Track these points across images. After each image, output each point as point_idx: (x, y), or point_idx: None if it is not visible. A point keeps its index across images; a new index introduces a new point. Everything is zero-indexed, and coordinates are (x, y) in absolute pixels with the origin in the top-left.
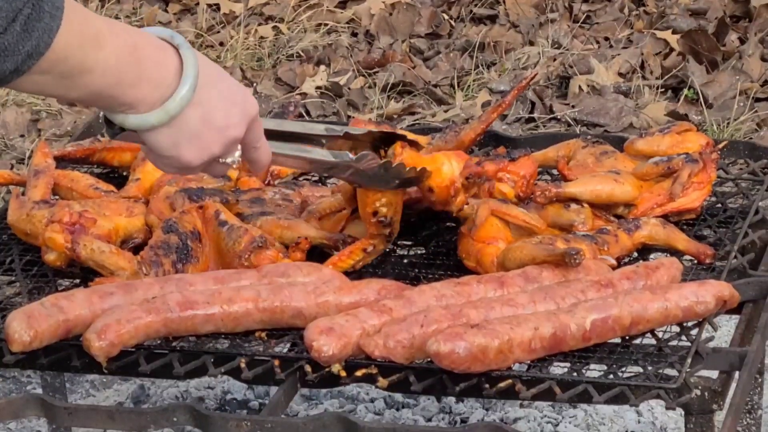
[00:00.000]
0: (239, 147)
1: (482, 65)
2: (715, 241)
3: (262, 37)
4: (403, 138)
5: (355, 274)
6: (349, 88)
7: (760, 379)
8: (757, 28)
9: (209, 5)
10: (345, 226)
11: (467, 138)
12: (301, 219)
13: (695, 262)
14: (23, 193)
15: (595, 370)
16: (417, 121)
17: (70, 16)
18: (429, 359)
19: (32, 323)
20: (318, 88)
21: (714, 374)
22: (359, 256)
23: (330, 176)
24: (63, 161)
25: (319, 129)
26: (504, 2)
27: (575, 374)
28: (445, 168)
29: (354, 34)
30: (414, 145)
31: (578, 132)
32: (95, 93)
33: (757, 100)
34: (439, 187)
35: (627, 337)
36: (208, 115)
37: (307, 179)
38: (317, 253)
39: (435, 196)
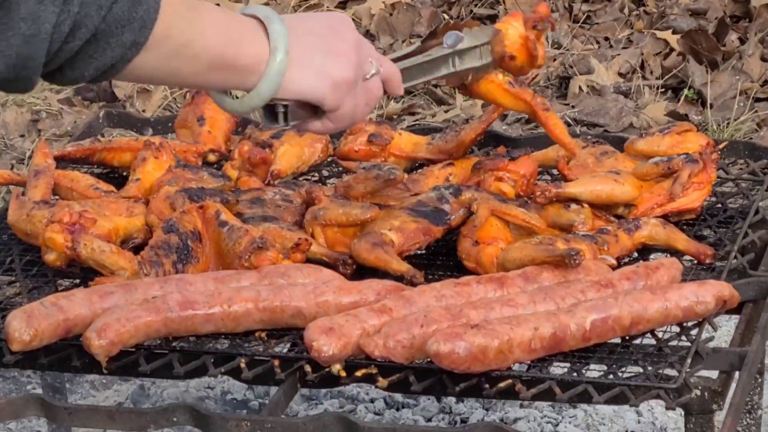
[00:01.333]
0: (371, 59)
1: None
2: (715, 241)
3: None
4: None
5: (355, 274)
6: None
7: (760, 379)
8: (757, 28)
9: None
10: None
11: (467, 138)
12: (305, 222)
13: (695, 262)
14: (23, 194)
15: (595, 370)
16: (417, 121)
17: None
18: (429, 359)
19: (32, 322)
20: None
21: (714, 374)
22: None
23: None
24: (63, 161)
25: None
26: (504, 2)
27: (575, 374)
28: (511, 31)
29: None
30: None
31: (578, 132)
32: (213, 60)
33: (757, 100)
34: (516, 49)
35: (627, 337)
36: (316, 33)
37: (307, 179)
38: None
39: (518, 60)
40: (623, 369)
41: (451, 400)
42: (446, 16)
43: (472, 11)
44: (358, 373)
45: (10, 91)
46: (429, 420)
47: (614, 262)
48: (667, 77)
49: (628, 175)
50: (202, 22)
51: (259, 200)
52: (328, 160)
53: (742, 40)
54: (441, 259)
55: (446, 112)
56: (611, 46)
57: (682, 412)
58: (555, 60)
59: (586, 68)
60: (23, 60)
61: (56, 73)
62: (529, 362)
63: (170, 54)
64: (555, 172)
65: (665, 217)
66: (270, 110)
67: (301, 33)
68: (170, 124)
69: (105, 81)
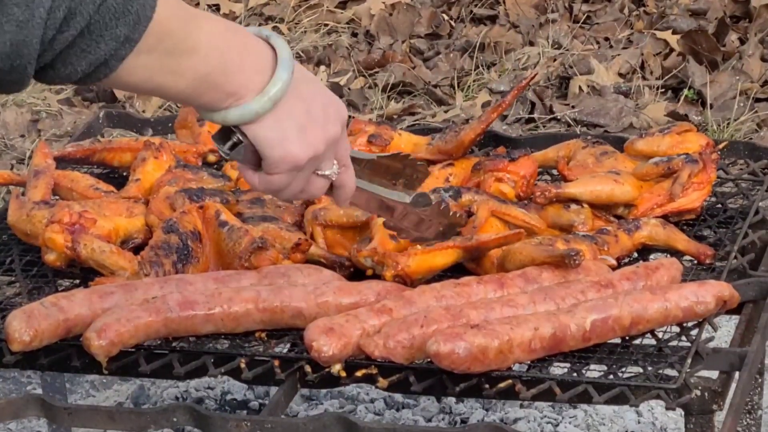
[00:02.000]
0: (335, 161)
1: (482, 65)
2: (715, 241)
3: None
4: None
5: (355, 274)
6: (349, 89)
7: (760, 380)
8: (757, 28)
9: (209, 5)
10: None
11: (467, 138)
12: (305, 221)
13: (695, 262)
14: (23, 194)
15: (595, 371)
16: (417, 122)
17: None
18: (429, 359)
19: (32, 323)
20: None
21: (714, 374)
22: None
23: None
24: (63, 161)
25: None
26: (504, 2)
27: (575, 374)
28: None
29: (354, 35)
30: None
31: (578, 132)
32: (202, 78)
33: (757, 100)
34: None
35: (627, 338)
36: (309, 108)
37: None
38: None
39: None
40: (623, 369)
41: (451, 400)
42: (446, 17)
43: (471, 11)
44: (358, 374)
45: (3, 87)
46: (429, 420)
47: (614, 262)
48: (667, 77)
49: (628, 175)
50: (200, 27)
51: (259, 200)
52: None
53: (742, 41)
54: None
55: (446, 112)
56: (611, 46)
57: (682, 413)
58: (555, 60)
59: (586, 68)
60: (17, 47)
61: (49, 70)
62: (529, 362)
63: (165, 56)
64: (555, 172)
65: (665, 218)
66: (227, 134)
67: (298, 93)
68: (170, 125)
69: (98, 81)
